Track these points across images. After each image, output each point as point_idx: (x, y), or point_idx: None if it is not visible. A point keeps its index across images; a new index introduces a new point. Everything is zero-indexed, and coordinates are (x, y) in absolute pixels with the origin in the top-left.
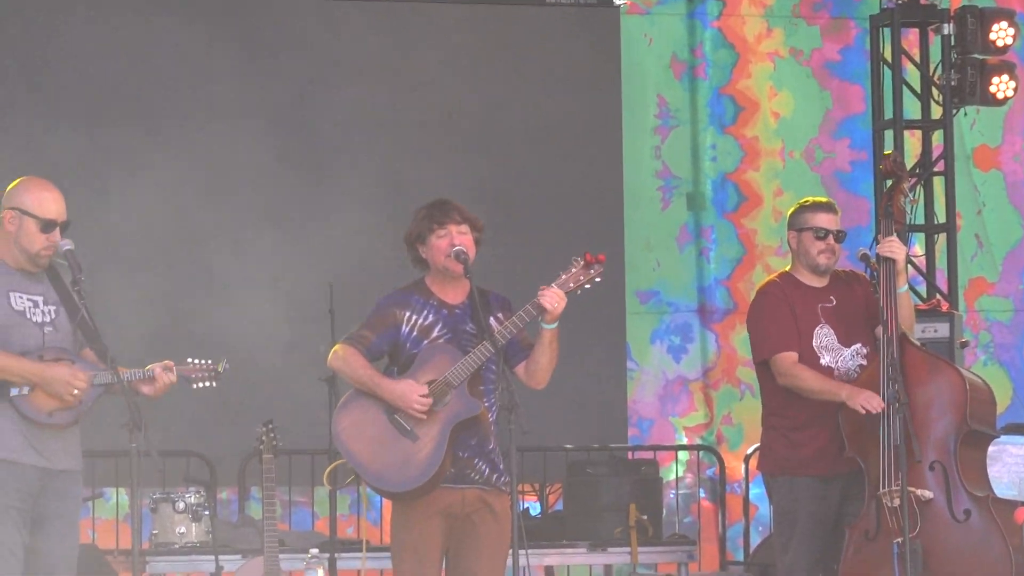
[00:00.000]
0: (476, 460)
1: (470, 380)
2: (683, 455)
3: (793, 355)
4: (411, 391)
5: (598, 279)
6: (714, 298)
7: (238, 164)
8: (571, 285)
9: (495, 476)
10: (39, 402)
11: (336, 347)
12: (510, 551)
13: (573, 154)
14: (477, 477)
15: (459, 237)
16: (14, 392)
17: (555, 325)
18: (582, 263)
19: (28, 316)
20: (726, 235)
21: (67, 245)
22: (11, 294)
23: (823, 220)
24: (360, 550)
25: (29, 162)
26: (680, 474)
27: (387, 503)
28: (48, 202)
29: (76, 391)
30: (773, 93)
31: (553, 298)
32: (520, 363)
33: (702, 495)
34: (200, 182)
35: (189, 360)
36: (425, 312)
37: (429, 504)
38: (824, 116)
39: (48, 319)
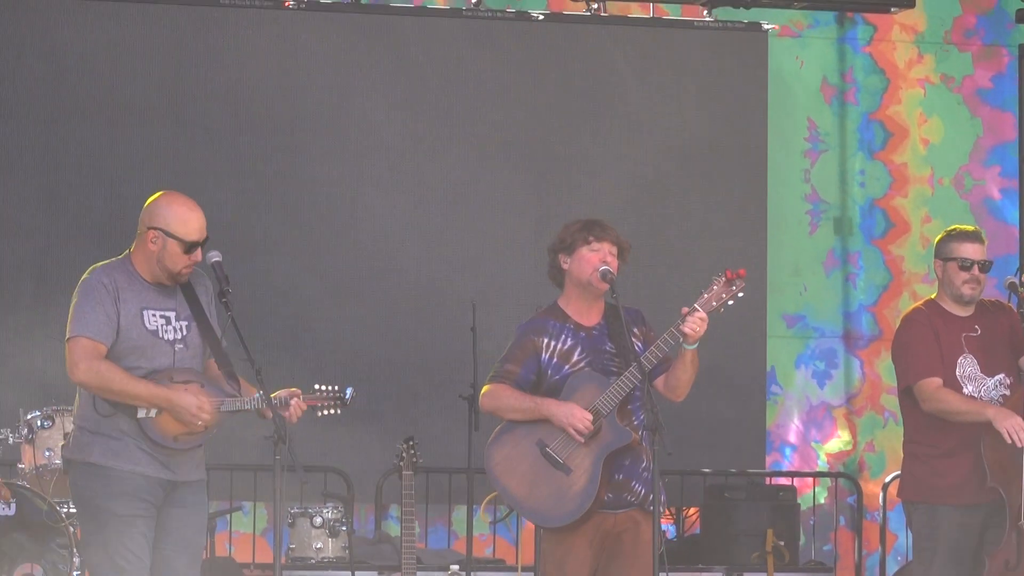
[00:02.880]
0: (633, 482)
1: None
2: (823, 481)
3: (938, 380)
4: (578, 414)
5: (740, 295)
6: (860, 324)
7: (380, 179)
8: (713, 304)
9: (650, 496)
10: (165, 426)
11: (485, 388)
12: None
13: (719, 175)
14: (633, 499)
15: (610, 258)
16: (141, 414)
17: (696, 346)
18: (723, 280)
19: (160, 335)
20: (873, 261)
21: (215, 257)
22: (144, 312)
23: (969, 250)
24: (495, 569)
25: (169, 169)
26: (819, 501)
27: (527, 525)
28: (192, 223)
29: (200, 422)
30: (923, 119)
31: (695, 323)
32: (659, 376)
33: (842, 523)
34: (341, 195)
35: (316, 386)
36: (563, 336)
37: (585, 528)
38: (974, 143)
39: (180, 336)
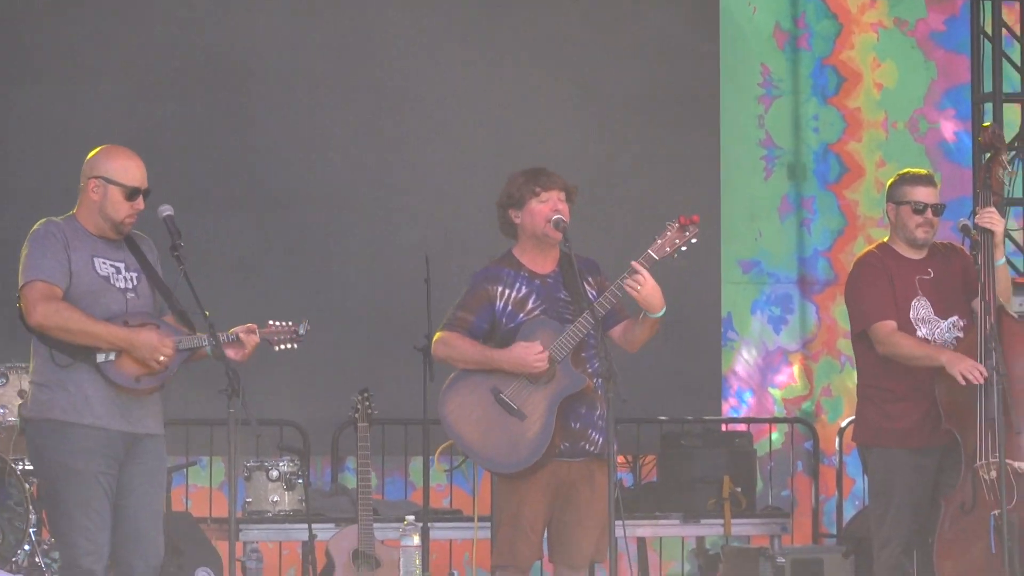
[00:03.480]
0: (589, 430)
1: (573, 351)
2: (779, 427)
3: (892, 323)
4: (526, 352)
5: (694, 240)
6: (815, 269)
7: (334, 133)
8: (667, 249)
9: (606, 445)
10: (126, 368)
11: (437, 335)
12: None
13: (672, 122)
14: (591, 448)
15: (560, 204)
16: (100, 358)
17: (661, 314)
18: (676, 226)
19: (112, 282)
20: (828, 206)
21: (167, 211)
22: (95, 260)
23: (922, 194)
24: (452, 520)
25: (126, 129)
26: (776, 447)
27: (485, 475)
28: (132, 170)
29: (162, 358)
30: (876, 64)
31: (639, 286)
32: (615, 327)
33: (799, 468)
34: (295, 148)
35: (271, 322)
36: (518, 285)
37: (540, 477)
38: (929, 87)
39: (131, 285)
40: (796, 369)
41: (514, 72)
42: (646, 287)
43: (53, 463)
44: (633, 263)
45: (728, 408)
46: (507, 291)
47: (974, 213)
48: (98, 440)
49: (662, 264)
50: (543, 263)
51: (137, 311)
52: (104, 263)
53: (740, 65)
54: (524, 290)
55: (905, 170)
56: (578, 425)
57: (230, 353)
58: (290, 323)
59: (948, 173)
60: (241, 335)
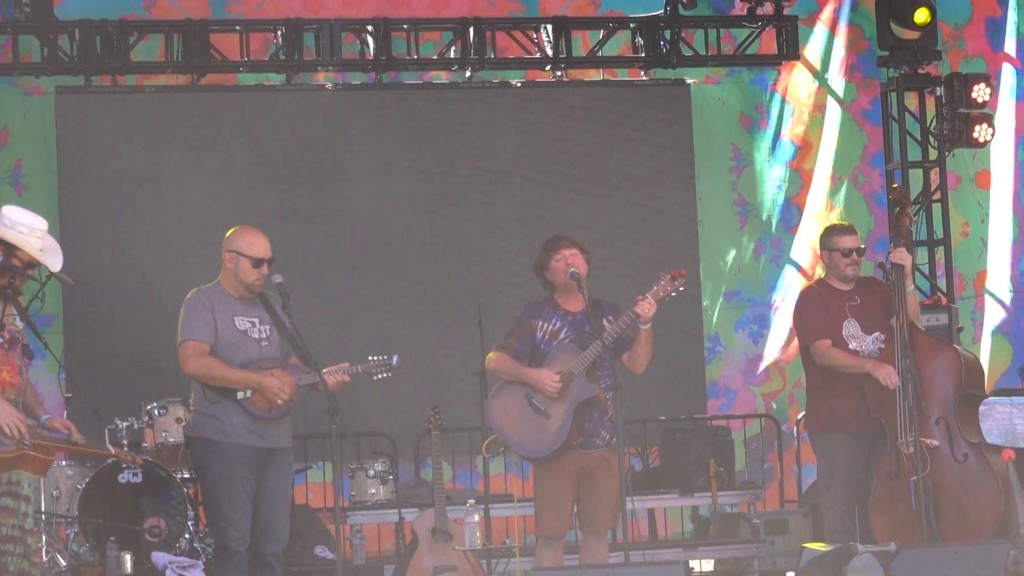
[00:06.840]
0: (599, 429)
1: (588, 369)
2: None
3: (827, 341)
4: (546, 376)
5: (681, 288)
6: (785, 294)
7: (402, 214)
8: (661, 294)
9: (614, 439)
10: (260, 402)
11: (491, 354)
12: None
13: (658, 193)
14: (601, 443)
15: (571, 257)
16: (240, 395)
17: (648, 326)
18: (669, 277)
19: (249, 334)
20: (792, 245)
21: (278, 279)
22: (235, 318)
23: (848, 242)
24: (509, 502)
25: (243, 218)
26: (754, 432)
27: (531, 466)
28: (258, 245)
29: (280, 401)
30: (822, 135)
31: (646, 306)
32: (625, 353)
33: (775, 447)
34: (372, 230)
35: (369, 358)
36: (554, 320)
37: (564, 465)
38: (863, 151)
39: (264, 336)
40: (772, 371)
41: (536, 162)
42: (653, 309)
43: (209, 471)
44: (639, 297)
45: (718, 405)
46: (545, 324)
47: (889, 254)
48: (242, 454)
49: (660, 307)
50: (574, 304)
51: (268, 356)
52: (242, 319)
53: (713, 146)
54: (558, 324)
55: (832, 223)
56: (590, 425)
57: (330, 383)
58: (384, 357)
59: (880, 216)
60: (335, 370)
